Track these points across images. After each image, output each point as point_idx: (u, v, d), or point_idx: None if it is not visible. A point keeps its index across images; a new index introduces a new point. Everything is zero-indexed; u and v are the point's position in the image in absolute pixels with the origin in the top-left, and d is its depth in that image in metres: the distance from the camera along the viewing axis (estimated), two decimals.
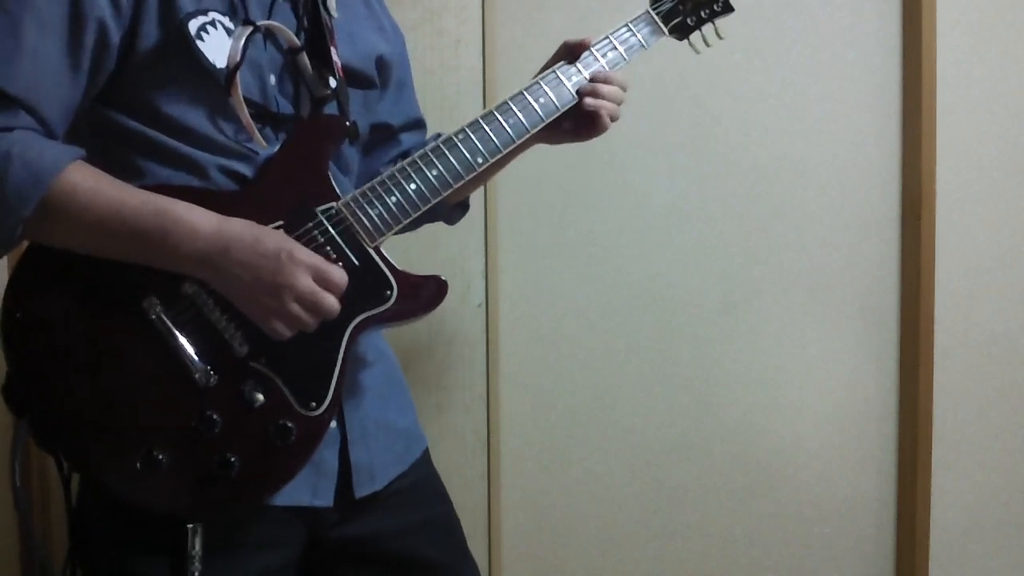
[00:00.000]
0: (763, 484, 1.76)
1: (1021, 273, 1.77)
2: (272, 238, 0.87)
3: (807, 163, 1.73)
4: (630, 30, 1.10)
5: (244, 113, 0.90)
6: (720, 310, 1.74)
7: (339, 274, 0.89)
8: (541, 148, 1.22)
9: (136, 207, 0.84)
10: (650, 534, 1.76)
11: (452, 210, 1.26)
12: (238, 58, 0.89)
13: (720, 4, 1.15)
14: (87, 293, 0.87)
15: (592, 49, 1.08)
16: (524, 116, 1.03)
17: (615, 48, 1.09)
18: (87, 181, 0.84)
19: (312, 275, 0.87)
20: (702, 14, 1.14)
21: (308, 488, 0.96)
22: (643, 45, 1.11)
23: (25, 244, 0.90)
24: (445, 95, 1.66)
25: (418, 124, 1.24)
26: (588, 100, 1.06)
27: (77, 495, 0.95)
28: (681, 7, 1.13)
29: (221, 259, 0.85)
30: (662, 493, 1.76)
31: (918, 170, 1.70)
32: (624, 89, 1.09)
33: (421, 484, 1.13)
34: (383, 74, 1.12)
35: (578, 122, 1.09)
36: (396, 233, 1.02)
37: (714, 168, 1.71)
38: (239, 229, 0.86)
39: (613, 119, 1.08)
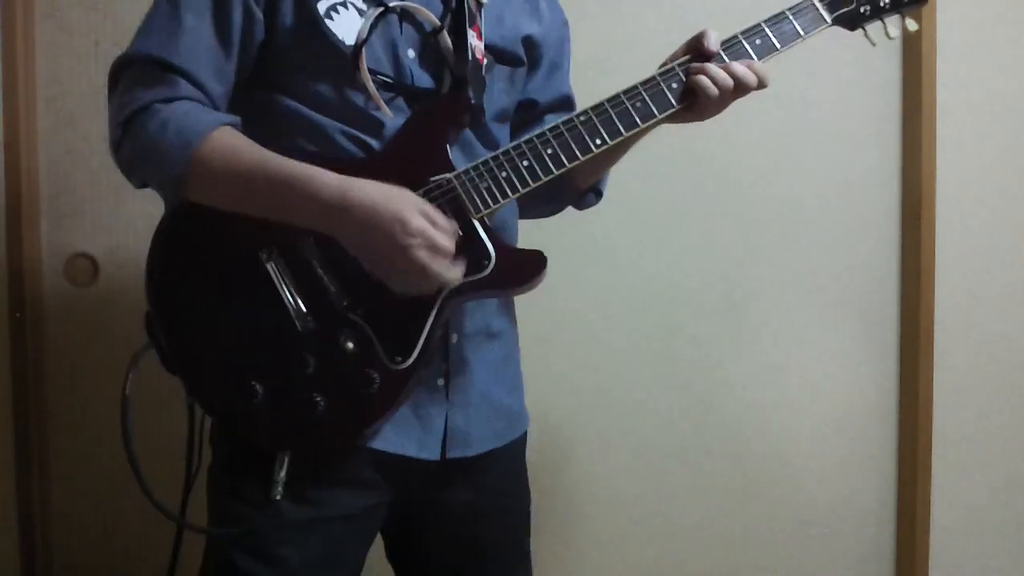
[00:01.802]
0: (763, 484, 1.76)
1: (1021, 273, 1.77)
2: (390, 207, 0.90)
3: (807, 164, 1.73)
4: (787, 17, 1.04)
5: (370, 85, 0.98)
6: (720, 310, 1.74)
7: (445, 242, 0.92)
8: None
9: (268, 171, 0.93)
10: (650, 534, 1.76)
11: (583, 195, 1.25)
12: (364, 35, 0.97)
13: None
14: (216, 243, 0.98)
15: (740, 36, 1.04)
16: (654, 102, 1.02)
17: (767, 35, 1.03)
18: (226, 147, 0.93)
19: (425, 245, 0.90)
20: (882, 3, 1.05)
21: (415, 441, 1.03)
22: (799, 34, 1.04)
23: None
24: None
25: (565, 103, 1.24)
26: (693, 77, 1.01)
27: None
28: None
29: (340, 220, 0.91)
30: (662, 493, 1.76)
31: (918, 170, 1.70)
32: (749, 83, 1.02)
33: (510, 473, 1.19)
34: (532, 53, 1.14)
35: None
36: (527, 216, 1.10)
37: (714, 168, 1.71)
38: (360, 196, 0.91)
39: (715, 104, 1.02)
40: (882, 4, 1.07)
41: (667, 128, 1.11)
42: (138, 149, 0.95)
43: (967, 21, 1.72)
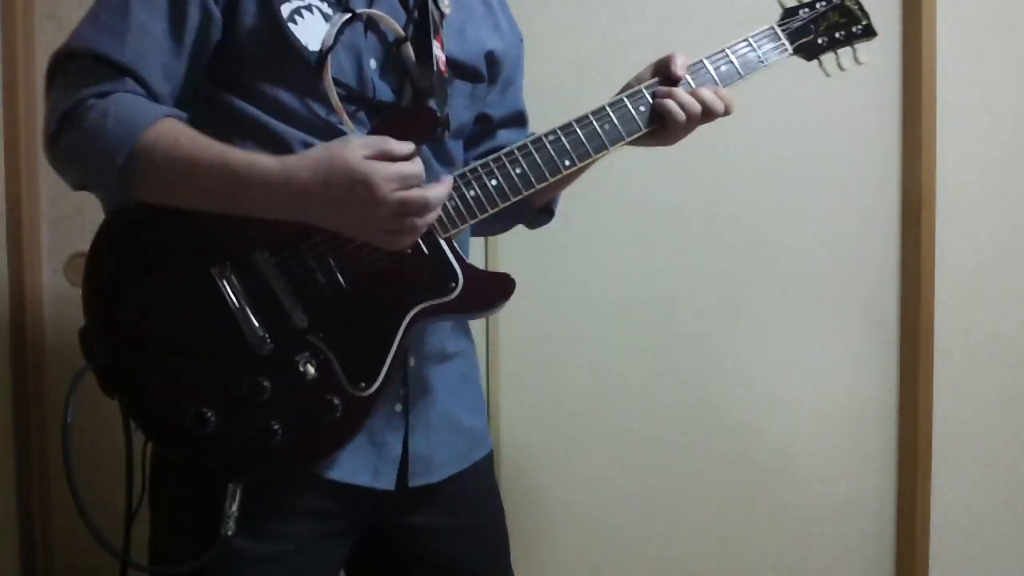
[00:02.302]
0: (763, 484, 1.76)
1: (1021, 273, 1.77)
2: (334, 168, 0.86)
3: (807, 163, 1.73)
4: (750, 45, 1.05)
5: (334, 95, 0.93)
6: (720, 310, 1.74)
7: (411, 168, 0.88)
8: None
9: (224, 160, 0.87)
10: (650, 534, 1.76)
11: (536, 215, 1.23)
12: (330, 43, 0.92)
13: (860, 28, 1.09)
14: (162, 254, 0.92)
15: (705, 61, 1.04)
16: (622, 124, 1.01)
17: (730, 61, 1.04)
18: (172, 135, 0.88)
19: (398, 186, 0.86)
20: (836, 36, 1.09)
21: (369, 469, 0.98)
22: (761, 61, 1.06)
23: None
24: None
25: (518, 118, 1.22)
26: (660, 102, 1.01)
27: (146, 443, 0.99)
28: (813, 26, 1.08)
29: (318, 198, 0.86)
30: (662, 493, 1.75)
31: (918, 170, 1.70)
32: (716, 110, 1.02)
33: (479, 492, 1.13)
34: (492, 69, 1.12)
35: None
36: (479, 234, 1.03)
37: (714, 168, 1.71)
38: (304, 176, 0.86)
39: (682, 129, 1.02)
40: (837, 36, 1.09)
41: None
42: (77, 141, 0.89)
43: (967, 21, 1.72)
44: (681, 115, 1.00)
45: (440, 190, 0.90)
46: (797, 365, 1.75)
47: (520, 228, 1.25)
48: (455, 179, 0.96)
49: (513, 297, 0.98)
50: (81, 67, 0.91)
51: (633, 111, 1.01)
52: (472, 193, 0.96)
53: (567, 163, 0.99)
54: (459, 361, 1.10)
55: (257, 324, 0.90)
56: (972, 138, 1.73)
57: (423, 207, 0.88)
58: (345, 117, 0.94)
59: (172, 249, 0.92)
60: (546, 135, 0.99)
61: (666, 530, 1.76)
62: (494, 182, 0.97)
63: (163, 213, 0.90)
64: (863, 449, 1.77)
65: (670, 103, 1.00)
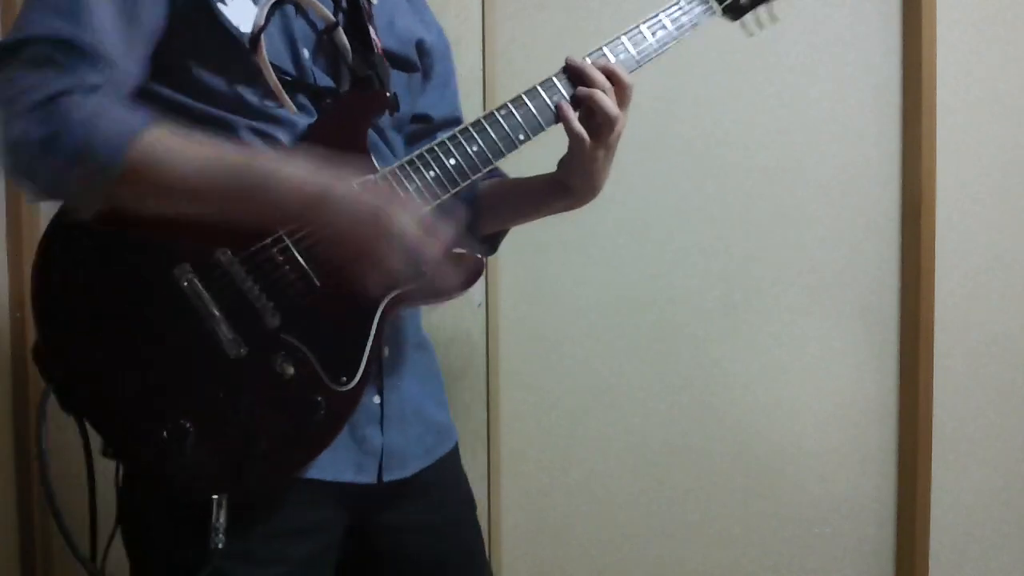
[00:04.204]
0: (763, 484, 1.76)
1: (1021, 273, 1.77)
2: (370, 196, 0.84)
3: (807, 163, 1.73)
4: (681, 8, 1.04)
5: (271, 77, 0.90)
6: (720, 310, 1.74)
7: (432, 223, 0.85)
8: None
9: (227, 162, 0.83)
10: (650, 534, 1.76)
11: (480, 242, 1.20)
12: (261, 23, 0.89)
13: None
14: (117, 260, 0.86)
15: (642, 26, 1.01)
16: (566, 91, 0.97)
17: (664, 27, 1.02)
18: (170, 137, 0.82)
19: (414, 231, 0.83)
20: None
21: (352, 465, 0.95)
22: (694, 24, 1.04)
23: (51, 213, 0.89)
24: None
25: (456, 123, 1.20)
26: (581, 89, 0.97)
27: (117, 465, 0.95)
28: None
29: (320, 212, 0.82)
30: (662, 493, 1.76)
31: (918, 170, 1.70)
32: (618, 85, 0.99)
33: (448, 484, 1.12)
34: (424, 60, 1.11)
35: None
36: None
37: (714, 168, 1.71)
38: (338, 184, 0.83)
39: (606, 119, 0.98)
40: None
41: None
42: (61, 139, 0.79)
43: (967, 21, 1.72)
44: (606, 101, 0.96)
45: (435, 247, 0.84)
46: (797, 365, 1.75)
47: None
48: (414, 159, 0.93)
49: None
50: (40, 53, 0.81)
51: (561, 87, 0.98)
52: (432, 173, 0.93)
53: (521, 137, 0.96)
54: (423, 354, 1.10)
55: (228, 326, 0.86)
56: (972, 138, 1.73)
57: (425, 252, 0.84)
58: (285, 99, 0.91)
59: (126, 254, 0.86)
60: (498, 109, 0.97)
61: (666, 530, 1.76)
62: (452, 160, 0.94)
63: (112, 217, 0.83)
64: (863, 449, 1.77)
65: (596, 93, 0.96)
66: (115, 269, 0.86)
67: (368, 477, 0.97)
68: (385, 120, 1.02)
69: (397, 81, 1.04)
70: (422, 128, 1.16)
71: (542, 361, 1.73)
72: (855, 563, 1.79)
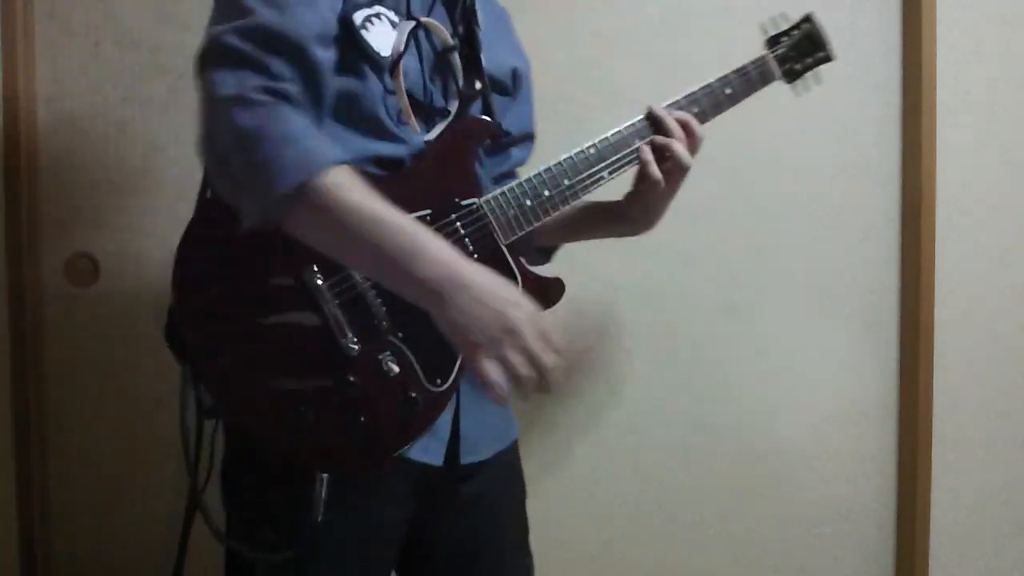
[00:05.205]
0: (763, 484, 1.76)
1: (1021, 273, 1.77)
2: (503, 290, 0.87)
3: (807, 163, 1.73)
4: (747, 72, 1.16)
5: (404, 99, 0.99)
6: (720, 310, 1.74)
7: (557, 336, 0.87)
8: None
9: (392, 223, 0.86)
10: (650, 534, 1.76)
11: (537, 252, 1.30)
12: (401, 48, 0.98)
13: (823, 54, 1.22)
14: (255, 258, 0.94)
15: (714, 83, 1.14)
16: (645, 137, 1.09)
17: (733, 87, 1.15)
18: (349, 185, 0.86)
19: (538, 335, 0.86)
20: (807, 61, 1.21)
21: (420, 445, 1.02)
22: (754, 87, 1.17)
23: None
24: None
25: (528, 137, 1.26)
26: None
27: (224, 440, 1.05)
28: (793, 53, 1.20)
29: (454, 294, 0.85)
30: (662, 493, 1.76)
31: (918, 170, 1.70)
32: (691, 136, 1.12)
33: (513, 470, 1.22)
34: (515, 85, 1.18)
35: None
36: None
37: (714, 168, 1.71)
38: (476, 271, 0.87)
39: (678, 165, 1.10)
40: (808, 61, 1.22)
41: None
42: (248, 148, 0.84)
43: (967, 21, 1.72)
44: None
45: (551, 360, 0.86)
46: (797, 365, 1.75)
47: None
48: (514, 188, 1.02)
49: None
50: (244, 42, 0.86)
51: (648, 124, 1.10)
52: (528, 203, 1.02)
53: (605, 175, 1.07)
54: None
55: (347, 326, 0.95)
56: (972, 138, 1.74)
57: (540, 366, 0.85)
58: (412, 120, 1.00)
59: (263, 254, 0.93)
60: (586, 147, 1.06)
61: (666, 530, 1.76)
62: (546, 192, 1.03)
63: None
64: (863, 449, 1.77)
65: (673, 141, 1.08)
66: (251, 267, 0.95)
67: (434, 459, 1.05)
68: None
69: (497, 103, 1.11)
70: (497, 145, 1.20)
71: None
72: (855, 563, 1.79)
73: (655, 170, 1.08)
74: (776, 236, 1.74)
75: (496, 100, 1.12)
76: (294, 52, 0.88)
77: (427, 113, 1.03)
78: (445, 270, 0.85)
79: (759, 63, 1.17)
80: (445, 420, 1.06)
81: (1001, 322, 1.76)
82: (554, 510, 1.74)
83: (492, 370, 0.84)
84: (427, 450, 1.05)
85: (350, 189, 0.86)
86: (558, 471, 1.74)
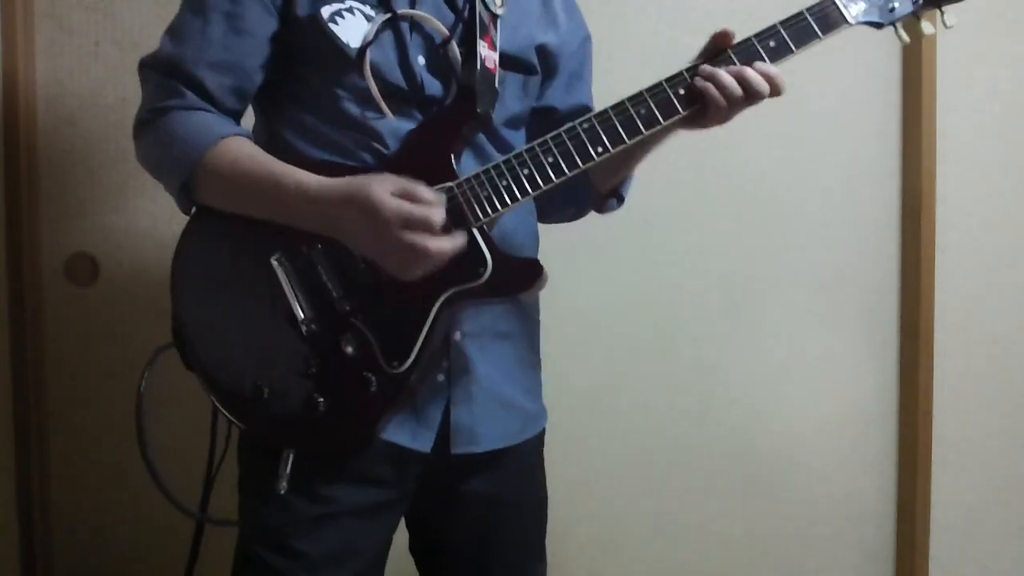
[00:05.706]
0: (763, 484, 1.76)
1: (1021, 273, 1.77)
2: (359, 195, 0.94)
3: (807, 163, 1.73)
4: (806, 18, 1.03)
5: (373, 89, 1.01)
6: (720, 310, 1.74)
7: (422, 212, 0.93)
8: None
9: (258, 179, 0.99)
10: (650, 534, 1.76)
11: (604, 200, 1.24)
12: (370, 39, 1.01)
13: None
14: (234, 248, 1.04)
15: (755, 40, 1.02)
16: (659, 108, 1.00)
17: (783, 37, 1.04)
18: (229, 155, 1.00)
19: (402, 224, 0.92)
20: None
21: (408, 432, 1.05)
22: (818, 34, 1.04)
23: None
24: None
25: (583, 112, 1.17)
26: (699, 83, 0.99)
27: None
28: None
29: (333, 224, 0.97)
30: (662, 493, 1.76)
31: (918, 170, 1.70)
32: (760, 91, 1.01)
33: (524, 468, 1.19)
34: (547, 62, 1.16)
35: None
36: (548, 220, 1.18)
37: (714, 168, 1.71)
38: (333, 195, 0.96)
39: (723, 113, 1.00)
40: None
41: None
42: (150, 148, 1.05)
43: (967, 21, 1.71)
44: (720, 99, 0.99)
45: (444, 245, 0.94)
46: (797, 365, 1.75)
47: None
48: (489, 169, 0.99)
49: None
50: (161, 75, 1.04)
51: (672, 94, 1.00)
52: (504, 183, 0.99)
53: (599, 150, 1.00)
54: (514, 342, 1.15)
55: (306, 307, 1.00)
56: (972, 138, 1.73)
57: (423, 253, 0.92)
58: (384, 107, 1.02)
59: (241, 244, 1.03)
60: (580, 122, 1.00)
61: (666, 530, 1.76)
62: (526, 171, 0.99)
63: (230, 215, 1.02)
64: (863, 449, 1.77)
65: (709, 87, 0.98)
66: (231, 256, 1.04)
67: (422, 446, 1.06)
68: (498, 119, 1.09)
69: (512, 82, 1.11)
70: (545, 120, 1.20)
71: (542, 360, 1.73)
72: (855, 563, 1.79)
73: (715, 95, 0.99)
74: (776, 236, 1.73)
75: (517, 79, 1.12)
76: (186, 75, 1.02)
77: (419, 102, 1.05)
78: (317, 208, 0.96)
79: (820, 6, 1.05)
80: (436, 409, 1.07)
81: (1001, 322, 1.76)
82: (554, 510, 1.73)
83: (397, 270, 0.95)
84: (415, 437, 1.06)
85: (237, 158, 1.00)
86: (558, 471, 1.74)
